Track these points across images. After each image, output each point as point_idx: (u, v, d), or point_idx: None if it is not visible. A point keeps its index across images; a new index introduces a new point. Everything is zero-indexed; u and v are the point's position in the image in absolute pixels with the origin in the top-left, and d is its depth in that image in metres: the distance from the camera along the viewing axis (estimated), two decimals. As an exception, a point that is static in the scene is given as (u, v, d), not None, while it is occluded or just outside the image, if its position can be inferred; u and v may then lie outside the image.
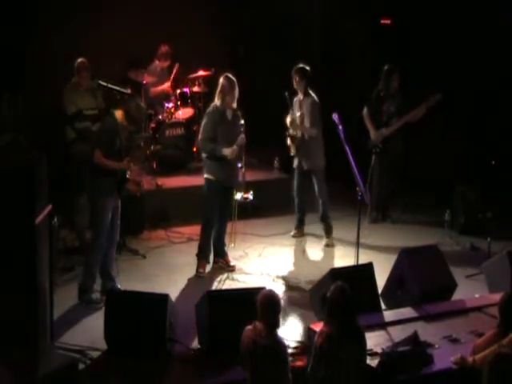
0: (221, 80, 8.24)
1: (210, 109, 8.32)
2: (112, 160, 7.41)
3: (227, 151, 8.06)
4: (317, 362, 5.44)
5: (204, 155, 8.34)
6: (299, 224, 9.60)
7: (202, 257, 8.35)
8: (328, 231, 9.38)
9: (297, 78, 9.14)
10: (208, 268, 8.40)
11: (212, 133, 8.13)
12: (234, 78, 8.18)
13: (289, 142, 9.34)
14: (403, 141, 10.02)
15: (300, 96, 9.23)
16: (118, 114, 7.55)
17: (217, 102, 8.20)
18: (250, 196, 8.37)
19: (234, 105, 8.21)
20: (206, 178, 8.31)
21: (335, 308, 5.45)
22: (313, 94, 9.18)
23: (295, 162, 9.42)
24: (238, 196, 8.29)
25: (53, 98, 9.72)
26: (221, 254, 8.50)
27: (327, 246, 9.29)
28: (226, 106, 8.16)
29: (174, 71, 11.02)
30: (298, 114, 9.23)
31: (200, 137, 8.33)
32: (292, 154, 9.39)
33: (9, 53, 10.19)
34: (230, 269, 8.39)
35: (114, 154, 7.43)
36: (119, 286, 7.63)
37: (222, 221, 8.45)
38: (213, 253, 8.47)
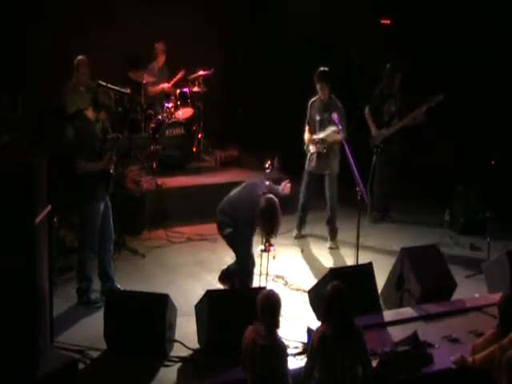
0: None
1: None
2: (93, 161, 7.37)
3: None
4: (313, 361, 5.45)
5: None
6: (300, 223, 9.58)
7: None
8: (333, 235, 9.34)
9: (322, 84, 8.98)
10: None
11: None
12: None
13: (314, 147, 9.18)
14: (404, 141, 10.02)
15: (322, 99, 9.10)
16: (89, 113, 7.50)
17: None
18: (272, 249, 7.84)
19: None
20: None
21: (331, 307, 5.46)
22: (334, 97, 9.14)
23: (310, 164, 9.28)
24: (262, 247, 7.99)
25: (53, 98, 9.73)
26: None
27: (331, 249, 9.27)
28: None
29: (178, 76, 11.01)
30: (318, 117, 9.14)
31: None
32: (312, 151, 9.20)
33: (9, 53, 10.20)
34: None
35: (94, 156, 7.39)
36: (118, 286, 7.63)
37: None
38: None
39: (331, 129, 8.93)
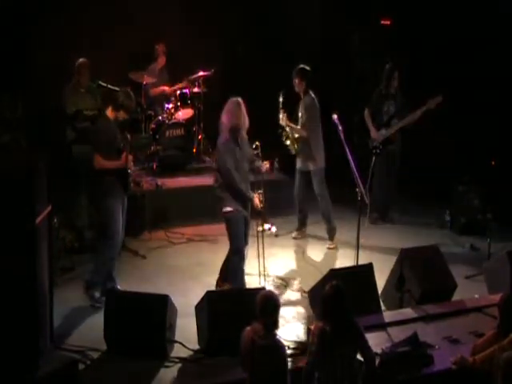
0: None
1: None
2: (112, 160, 7.40)
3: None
4: (313, 357, 5.46)
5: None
6: (300, 225, 9.59)
7: None
8: (331, 234, 9.34)
9: (297, 80, 9.12)
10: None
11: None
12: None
13: (287, 141, 9.30)
14: (403, 141, 10.02)
15: (302, 96, 9.20)
16: (109, 112, 7.53)
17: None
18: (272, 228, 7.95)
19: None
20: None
21: (330, 307, 5.46)
22: (312, 95, 9.16)
23: (297, 163, 9.41)
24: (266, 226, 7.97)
25: (53, 98, 9.74)
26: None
27: (329, 249, 9.28)
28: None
29: (179, 86, 11.01)
30: (299, 114, 9.21)
31: None
32: (294, 152, 9.34)
33: (9, 53, 10.20)
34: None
35: (113, 154, 7.41)
36: (119, 287, 7.63)
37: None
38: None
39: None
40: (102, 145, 7.40)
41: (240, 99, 7.55)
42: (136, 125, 10.64)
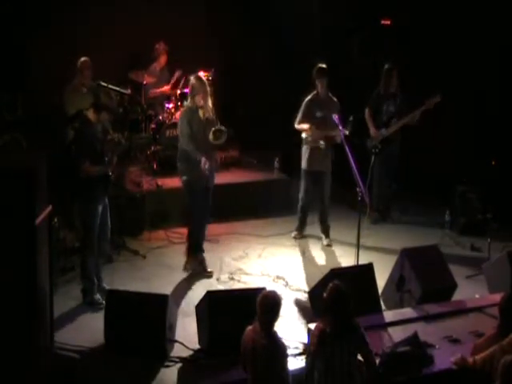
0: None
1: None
2: (95, 164, 7.40)
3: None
4: (313, 357, 5.45)
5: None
6: (301, 225, 9.58)
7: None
8: (327, 232, 9.39)
9: (324, 80, 9.08)
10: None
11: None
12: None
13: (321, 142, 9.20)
14: (402, 141, 10.02)
15: (320, 96, 9.16)
16: (90, 114, 7.52)
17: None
18: None
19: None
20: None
21: (331, 307, 5.46)
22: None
23: (307, 163, 9.27)
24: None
25: (53, 98, 9.73)
26: None
27: (328, 245, 9.29)
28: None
29: (175, 76, 10.99)
30: (319, 114, 9.14)
31: None
32: (322, 146, 9.13)
33: (9, 53, 10.20)
34: (207, 274, 8.33)
35: (96, 157, 7.42)
36: (106, 286, 7.62)
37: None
38: None
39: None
40: (82, 150, 7.40)
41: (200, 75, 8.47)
42: (136, 125, 10.63)
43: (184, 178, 8.24)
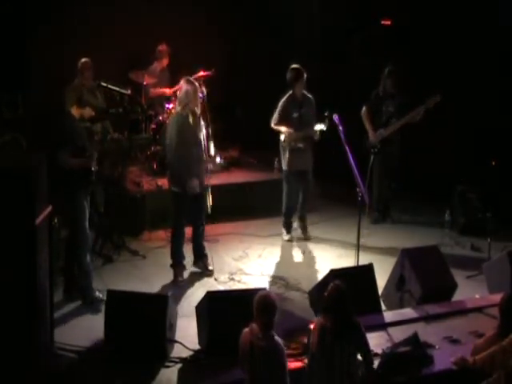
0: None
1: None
2: (77, 158, 7.39)
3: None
4: (312, 358, 5.45)
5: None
6: (289, 228, 9.48)
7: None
8: (306, 228, 9.44)
9: (303, 80, 9.06)
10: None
11: None
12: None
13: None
14: (402, 141, 10.02)
15: (298, 96, 9.15)
16: (74, 110, 7.55)
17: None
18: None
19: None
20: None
21: (331, 307, 5.46)
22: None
23: (288, 165, 9.22)
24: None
25: (53, 98, 9.73)
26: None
27: (307, 239, 9.36)
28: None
29: (178, 87, 10.98)
30: (295, 114, 9.15)
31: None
32: (301, 147, 9.16)
33: (9, 53, 10.20)
34: (208, 273, 8.32)
35: (78, 152, 7.41)
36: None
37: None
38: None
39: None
40: (66, 145, 7.38)
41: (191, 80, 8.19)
42: (136, 125, 10.63)
43: (173, 188, 8.20)
